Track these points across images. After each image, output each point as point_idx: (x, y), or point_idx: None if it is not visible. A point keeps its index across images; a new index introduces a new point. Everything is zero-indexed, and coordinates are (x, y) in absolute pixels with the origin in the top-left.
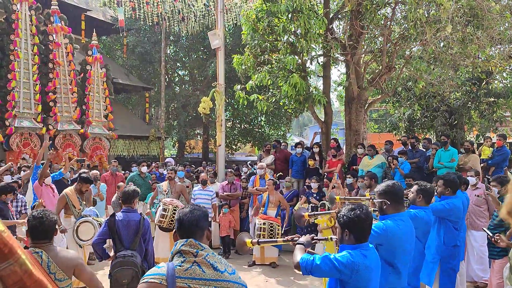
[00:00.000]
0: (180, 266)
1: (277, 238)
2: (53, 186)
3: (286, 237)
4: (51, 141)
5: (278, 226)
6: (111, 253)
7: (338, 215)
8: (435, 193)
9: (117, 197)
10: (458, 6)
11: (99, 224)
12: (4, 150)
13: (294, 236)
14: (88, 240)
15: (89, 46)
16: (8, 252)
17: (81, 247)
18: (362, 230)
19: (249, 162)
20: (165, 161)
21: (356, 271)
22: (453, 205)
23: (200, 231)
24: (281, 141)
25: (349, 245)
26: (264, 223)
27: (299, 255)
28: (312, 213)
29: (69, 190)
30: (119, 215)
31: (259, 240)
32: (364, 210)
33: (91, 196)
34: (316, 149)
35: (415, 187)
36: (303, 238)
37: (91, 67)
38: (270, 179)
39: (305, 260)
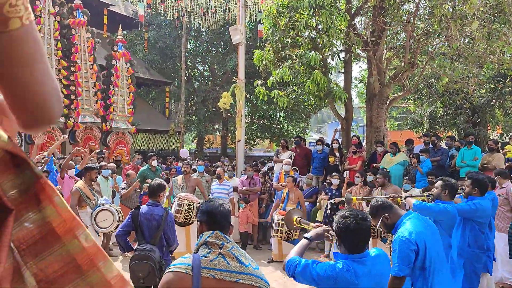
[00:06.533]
0: (205, 257)
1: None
2: (77, 179)
3: (315, 224)
4: (65, 137)
5: None
6: (135, 246)
7: (334, 219)
8: (463, 193)
9: (125, 183)
10: (484, 2)
11: (117, 210)
12: (27, 143)
13: (321, 224)
14: (108, 227)
15: (115, 42)
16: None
17: (98, 235)
18: (353, 241)
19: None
20: (180, 153)
21: (333, 285)
22: (480, 206)
23: (228, 225)
24: (302, 137)
25: (341, 253)
26: (282, 219)
27: (292, 254)
28: (299, 220)
29: (80, 183)
30: (144, 208)
31: (301, 220)
32: (358, 219)
33: (100, 188)
34: (335, 145)
35: (439, 182)
36: (313, 232)
37: (117, 62)
38: (290, 176)
39: (290, 264)
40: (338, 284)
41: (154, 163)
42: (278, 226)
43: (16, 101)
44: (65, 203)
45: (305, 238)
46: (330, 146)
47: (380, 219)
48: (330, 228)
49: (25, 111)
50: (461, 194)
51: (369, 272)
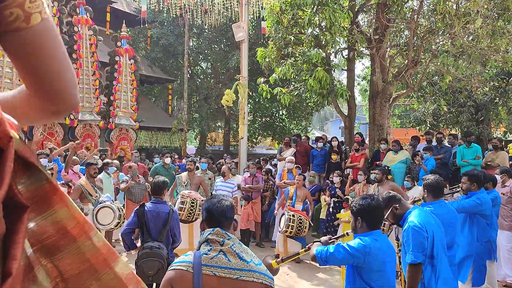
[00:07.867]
0: (206, 254)
1: (303, 234)
2: (82, 175)
3: (307, 246)
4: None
5: (306, 220)
6: (138, 244)
7: (351, 204)
8: (461, 190)
9: (127, 176)
10: None
11: (118, 208)
12: (28, 140)
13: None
14: (107, 224)
15: (120, 38)
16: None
17: (99, 231)
18: (373, 218)
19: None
20: (187, 150)
21: (368, 253)
22: (483, 199)
23: (227, 221)
24: (301, 135)
25: (362, 233)
26: (293, 215)
27: (316, 247)
28: (280, 259)
29: (82, 180)
30: (149, 206)
31: (283, 258)
32: (375, 199)
33: (102, 185)
34: (334, 142)
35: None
36: (322, 239)
37: (120, 58)
38: (300, 174)
39: (320, 251)
40: (372, 251)
41: (168, 160)
42: (290, 222)
43: (42, 90)
44: (75, 205)
45: (317, 241)
46: (330, 143)
47: (390, 209)
48: (331, 236)
49: (51, 99)
50: (463, 195)
51: (388, 244)
